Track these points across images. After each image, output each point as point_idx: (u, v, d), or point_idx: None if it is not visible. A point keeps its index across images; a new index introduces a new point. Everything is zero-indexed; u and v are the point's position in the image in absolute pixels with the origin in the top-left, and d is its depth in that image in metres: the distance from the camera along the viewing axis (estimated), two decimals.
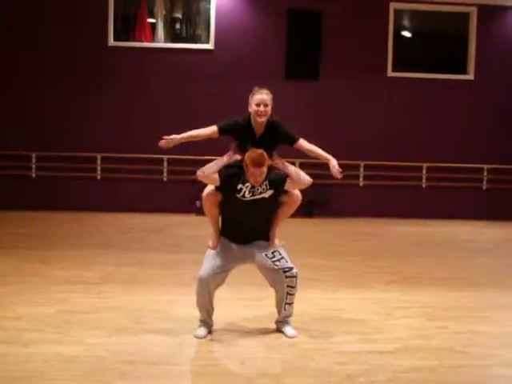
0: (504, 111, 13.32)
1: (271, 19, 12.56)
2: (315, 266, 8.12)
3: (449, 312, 6.11)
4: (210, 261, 5.13)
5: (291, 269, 5.09)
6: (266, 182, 5.09)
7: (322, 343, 5.04)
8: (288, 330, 5.20)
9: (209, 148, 12.53)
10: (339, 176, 5.39)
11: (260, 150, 4.98)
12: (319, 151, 5.49)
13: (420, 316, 5.93)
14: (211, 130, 5.35)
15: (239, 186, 5.07)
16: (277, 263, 5.09)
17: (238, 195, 5.07)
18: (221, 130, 5.26)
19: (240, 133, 5.22)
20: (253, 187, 5.05)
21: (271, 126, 5.22)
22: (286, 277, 5.06)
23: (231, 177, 5.12)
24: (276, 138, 5.25)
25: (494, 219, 12.92)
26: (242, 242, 5.21)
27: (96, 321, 5.43)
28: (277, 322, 5.32)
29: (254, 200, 5.08)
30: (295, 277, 5.09)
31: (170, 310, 5.89)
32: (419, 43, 14.09)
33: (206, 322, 5.20)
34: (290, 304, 5.19)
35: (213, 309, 5.21)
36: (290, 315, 5.27)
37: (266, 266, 5.14)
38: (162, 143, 5.54)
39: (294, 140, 5.32)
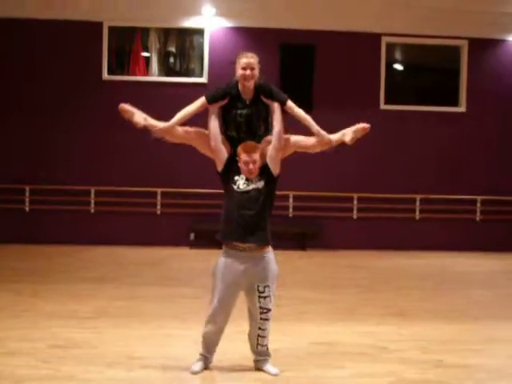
0: (495, 143, 13.40)
1: (264, 53, 12.50)
2: (308, 298, 8.09)
3: (444, 345, 6.08)
4: (217, 291, 4.98)
5: (268, 311, 4.96)
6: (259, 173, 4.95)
7: (315, 378, 5.01)
8: (270, 368, 5.07)
9: (202, 180, 12.61)
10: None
11: (253, 142, 4.92)
12: (308, 118, 5.16)
13: (415, 349, 5.90)
14: (200, 101, 5.20)
15: (236, 177, 4.94)
16: (261, 300, 4.93)
17: (234, 186, 4.92)
18: (209, 100, 5.10)
19: (229, 100, 5.06)
20: (247, 179, 4.91)
21: (260, 89, 5.06)
22: (261, 318, 4.96)
23: (233, 164, 4.98)
24: (267, 100, 5.04)
25: (487, 251, 12.92)
26: (241, 239, 4.89)
27: (89, 356, 5.39)
28: (255, 361, 5.18)
29: (248, 191, 4.90)
30: (268, 320, 4.98)
31: (164, 345, 5.85)
32: (411, 76, 14.21)
33: (206, 358, 5.12)
34: (263, 346, 5.08)
35: (217, 344, 5.14)
36: (266, 355, 5.15)
37: (251, 299, 4.99)
38: (156, 132, 5.59)
39: (286, 100, 5.06)
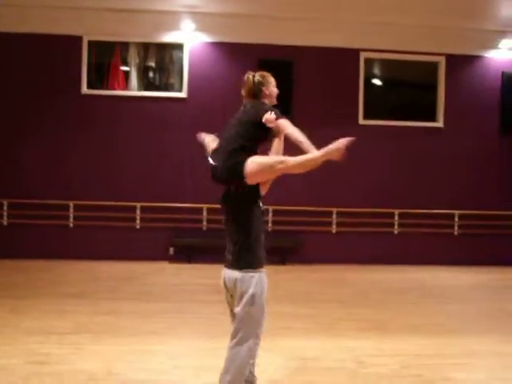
0: (473, 158, 13.52)
1: (243, 68, 12.63)
2: (287, 313, 8.10)
3: (423, 359, 6.11)
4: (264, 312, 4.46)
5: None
6: None
7: None
8: None
9: (181, 195, 12.60)
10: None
11: None
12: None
13: (394, 364, 5.92)
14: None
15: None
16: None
17: (260, 203, 4.59)
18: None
19: None
20: None
21: None
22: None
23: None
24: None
25: (466, 265, 13.00)
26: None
27: (68, 372, 5.35)
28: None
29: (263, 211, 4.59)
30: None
31: (142, 360, 5.83)
32: (390, 91, 14.32)
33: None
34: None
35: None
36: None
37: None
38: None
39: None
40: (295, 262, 12.59)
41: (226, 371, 4.30)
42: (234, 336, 4.33)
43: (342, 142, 4.70)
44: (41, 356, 5.83)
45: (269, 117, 4.54)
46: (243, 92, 4.88)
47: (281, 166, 4.56)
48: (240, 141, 4.52)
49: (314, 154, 4.65)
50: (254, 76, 4.87)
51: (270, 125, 4.56)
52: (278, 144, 4.78)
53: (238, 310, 4.32)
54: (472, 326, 7.76)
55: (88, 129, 12.74)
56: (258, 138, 4.62)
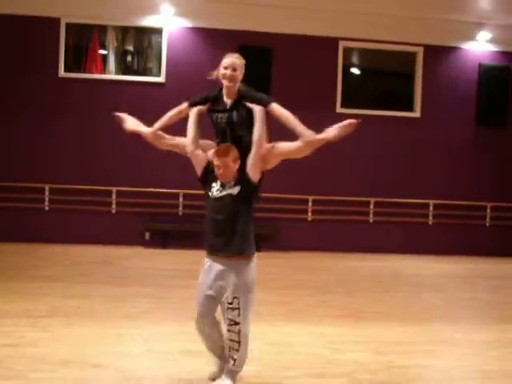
0: (448, 148, 13.62)
1: (222, 54, 12.63)
2: (262, 300, 8.05)
3: (396, 346, 6.17)
4: (196, 299, 4.76)
5: (235, 324, 4.63)
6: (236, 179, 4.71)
7: (268, 378, 5.03)
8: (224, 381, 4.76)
9: (158, 180, 12.56)
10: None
11: (228, 143, 4.69)
12: (292, 119, 5.04)
13: (367, 350, 5.97)
14: (182, 106, 5.04)
15: (213, 184, 4.72)
16: (229, 311, 4.63)
17: (210, 193, 4.71)
18: (189, 104, 4.97)
19: (213, 105, 4.89)
20: (222, 185, 4.67)
21: (243, 93, 4.84)
22: (228, 330, 4.67)
23: (210, 171, 4.75)
24: (249, 104, 4.80)
25: (440, 254, 13.12)
26: (214, 247, 4.69)
27: (41, 355, 5.33)
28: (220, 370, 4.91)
29: (221, 197, 4.66)
30: (237, 333, 4.64)
31: (116, 344, 5.82)
32: (368, 80, 14.37)
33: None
34: (235, 360, 4.72)
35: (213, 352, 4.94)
36: (237, 369, 4.77)
37: (222, 308, 4.76)
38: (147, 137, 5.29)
39: (268, 102, 4.89)
40: (271, 249, 12.61)
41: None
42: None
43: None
44: (14, 339, 5.80)
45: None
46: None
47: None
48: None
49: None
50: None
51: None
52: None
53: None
54: (444, 314, 7.85)
55: (65, 112, 12.64)
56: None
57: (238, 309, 4.64)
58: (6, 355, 5.30)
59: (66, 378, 4.81)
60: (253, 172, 4.73)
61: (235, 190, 4.68)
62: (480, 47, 13.66)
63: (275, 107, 4.90)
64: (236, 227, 4.71)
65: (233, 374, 4.72)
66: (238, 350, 4.67)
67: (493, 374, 5.44)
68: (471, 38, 13.58)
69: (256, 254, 4.85)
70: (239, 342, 4.67)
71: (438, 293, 9.43)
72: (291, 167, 12.74)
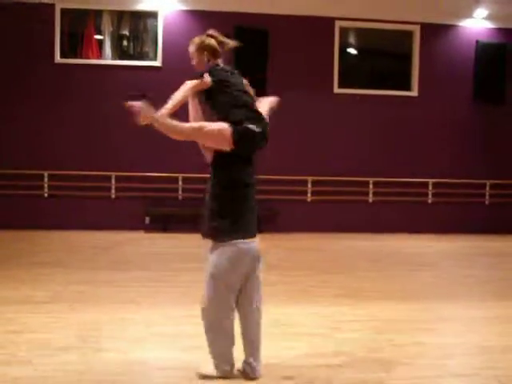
0: (447, 127, 13.63)
1: None
2: (263, 280, 8.15)
3: (396, 324, 6.21)
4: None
5: (201, 310, 4.55)
6: None
7: (269, 357, 5.06)
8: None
9: (157, 164, 12.57)
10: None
11: None
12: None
13: (367, 329, 6.01)
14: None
15: None
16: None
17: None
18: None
19: None
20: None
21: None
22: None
23: None
24: None
25: (440, 233, 13.17)
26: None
27: (44, 340, 5.38)
28: None
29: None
30: (203, 320, 4.54)
31: (119, 328, 5.86)
32: (365, 60, 14.35)
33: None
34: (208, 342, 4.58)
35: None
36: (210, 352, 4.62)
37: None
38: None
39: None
40: (270, 230, 12.65)
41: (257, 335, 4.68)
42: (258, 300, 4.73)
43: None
44: (17, 325, 5.84)
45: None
46: (219, 53, 5.05)
47: None
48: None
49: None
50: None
51: None
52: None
53: (259, 275, 4.75)
54: (443, 292, 7.90)
55: (62, 98, 12.64)
56: None
57: (204, 294, 4.56)
58: (10, 341, 5.34)
59: (70, 363, 4.85)
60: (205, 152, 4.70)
61: (211, 171, 4.65)
62: (477, 24, 13.64)
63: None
64: (207, 209, 4.60)
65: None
66: (206, 333, 4.55)
67: (492, 349, 5.48)
68: (468, 15, 13.55)
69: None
70: (203, 323, 4.54)
71: (437, 271, 9.48)
72: (290, 148, 12.83)
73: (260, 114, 4.62)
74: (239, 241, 4.48)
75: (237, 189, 4.53)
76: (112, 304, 6.80)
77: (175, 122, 4.49)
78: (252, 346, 4.62)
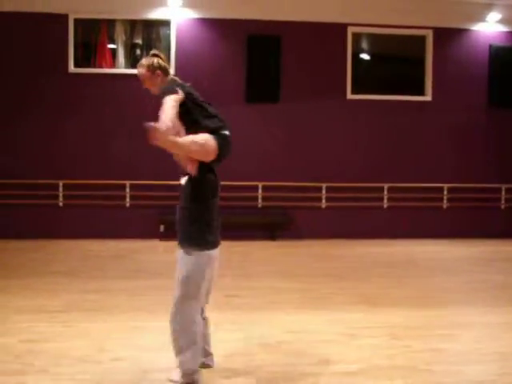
0: (461, 131, 13.56)
1: (231, 44, 12.68)
2: (278, 288, 8.15)
3: (412, 331, 6.18)
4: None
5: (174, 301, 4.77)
6: None
7: (287, 365, 5.06)
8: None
9: (171, 172, 12.58)
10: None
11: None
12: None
13: (383, 336, 5.99)
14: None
15: None
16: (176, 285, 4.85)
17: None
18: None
19: None
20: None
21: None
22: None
23: None
24: None
25: (454, 237, 13.09)
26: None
27: (60, 350, 5.39)
28: None
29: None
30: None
31: (134, 337, 5.87)
32: (378, 66, 14.31)
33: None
34: (174, 347, 4.66)
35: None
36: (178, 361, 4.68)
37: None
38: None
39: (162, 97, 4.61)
40: (285, 237, 12.64)
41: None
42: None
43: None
44: (33, 334, 5.86)
45: None
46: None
47: None
48: None
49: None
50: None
51: None
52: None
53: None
54: (459, 298, 7.86)
55: (76, 108, 12.68)
56: None
57: (178, 277, 4.94)
58: (26, 350, 5.36)
59: (85, 372, 4.86)
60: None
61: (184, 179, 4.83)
62: (490, 28, 13.57)
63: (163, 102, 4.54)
64: (182, 218, 5.02)
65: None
66: (175, 339, 4.64)
67: (509, 356, 5.44)
68: (481, 19, 13.48)
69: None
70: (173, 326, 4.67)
71: (453, 276, 9.43)
72: (303, 155, 12.82)
73: (225, 121, 4.71)
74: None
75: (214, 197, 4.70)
76: (127, 313, 6.81)
77: (182, 141, 4.53)
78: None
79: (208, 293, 4.84)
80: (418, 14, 13.12)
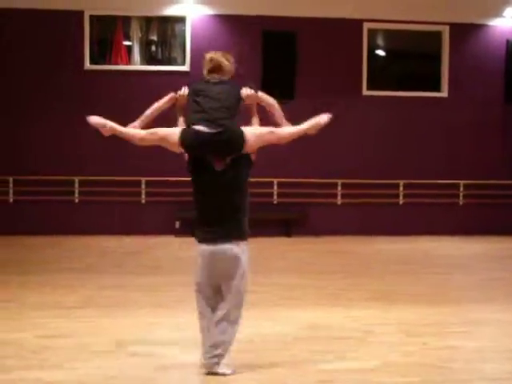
0: (477, 127, 13.49)
1: (247, 40, 12.66)
2: (294, 284, 8.15)
3: (427, 328, 6.16)
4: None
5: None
6: None
7: (302, 362, 5.06)
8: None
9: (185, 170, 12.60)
10: None
11: None
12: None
13: (399, 333, 5.97)
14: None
15: None
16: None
17: None
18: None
19: None
20: None
21: None
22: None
23: None
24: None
25: (470, 234, 13.03)
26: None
27: (76, 345, 5.41)
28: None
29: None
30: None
31: (150, 332, 5.88)
32: (393, 62, 14.26)
33: None
34: None
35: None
36: None
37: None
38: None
39: None
40: (301, 233, 12.64)
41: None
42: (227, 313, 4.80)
43: (322, 118, 5.16)
44: (50, 330, 5.88)
45: (250, 93, 4.89)
46: (209, 68, 5.30)
47: (272, 136, 5.07)
48: (228, 113, 4.76)
49: (300, 127, 5.19)
50: (223, 54, 5.31)
51: (248, 101, 4.91)
52: (256, 118, 5.16)
53: (235, 283, 4.78)
54: (475, 295, 7.82)
55: (91, 104, 12.70)
56: (238, 111, 4.88)
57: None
58: (42, 346, 5.38)
59: (102, 367, 4.87)
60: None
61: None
62: (507, 23, 13.48)
63: None
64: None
65: None
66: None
67: None
68: (498, 14, 13.41)
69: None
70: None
71: (469, 274, 9.39)
72: (319, 151, 12.79)
73: (221, 118, 4.75)
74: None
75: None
76: (143, 308, 6.83)
77: (133, 131, 5.35)
78: None
79: (218, 291, 4.96)
80: (434, 9, 13.06)
